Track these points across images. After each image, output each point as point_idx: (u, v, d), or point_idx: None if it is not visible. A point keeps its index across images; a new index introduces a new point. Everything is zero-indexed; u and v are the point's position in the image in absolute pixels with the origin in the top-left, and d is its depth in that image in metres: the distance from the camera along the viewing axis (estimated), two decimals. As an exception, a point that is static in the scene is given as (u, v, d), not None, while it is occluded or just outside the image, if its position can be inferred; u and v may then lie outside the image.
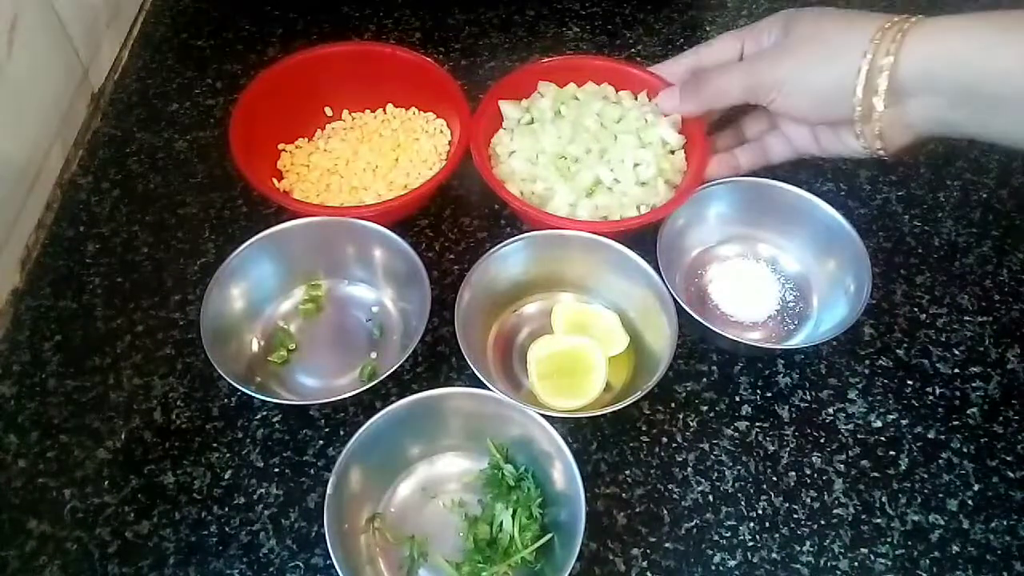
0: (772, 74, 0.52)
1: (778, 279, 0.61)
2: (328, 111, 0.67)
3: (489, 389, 0.49)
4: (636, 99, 0.64)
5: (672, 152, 0.62)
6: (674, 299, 0.53)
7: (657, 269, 0.54)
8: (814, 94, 0.52)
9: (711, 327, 0.53)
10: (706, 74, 0.58)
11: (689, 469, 0.53)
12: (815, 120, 0.55)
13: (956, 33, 0.47)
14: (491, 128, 0.63)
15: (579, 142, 0.61)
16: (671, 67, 0.62)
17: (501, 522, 0.48)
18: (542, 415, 0.48)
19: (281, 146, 0.65)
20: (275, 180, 0.64)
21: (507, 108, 0.63)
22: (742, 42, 0.57)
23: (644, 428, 0.55)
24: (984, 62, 0.46)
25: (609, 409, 0.50)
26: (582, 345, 0.55)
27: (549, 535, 0.48)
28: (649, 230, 0.58)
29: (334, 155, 0.65)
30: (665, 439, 0.54)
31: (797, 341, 0.57)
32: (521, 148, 0.61)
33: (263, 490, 0.52)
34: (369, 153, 0.65)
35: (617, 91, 0.64)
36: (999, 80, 0.46)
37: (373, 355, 0.57)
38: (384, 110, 0.68)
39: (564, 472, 0.47)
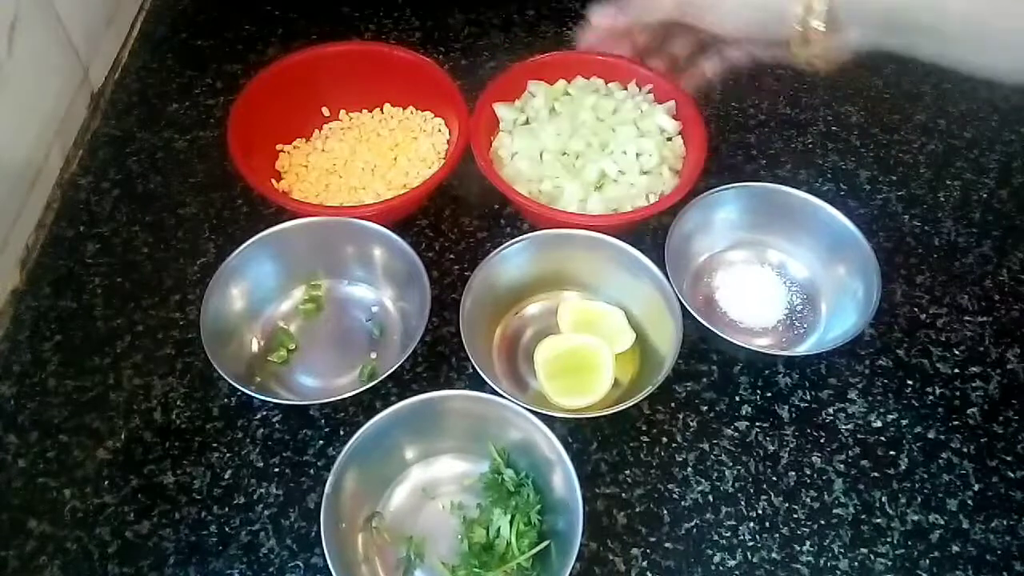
0: None
1: (786, 285, 0.60)
2: (325, 111, 0.67)
3: (494, 392, 0.49)
4: (627, 89, 0.64)
5: (669, 139, 0.62)
6: (681, 304, 0.53)
7: (662, 268, 0.54)
8: (750, 16, 0.51)
9: (721, 334, 0.53)
10: None
11: (689, 469, 0.53)
12: (751, 39, 0.54)
13: None
14: (490, 131, 0.63)
15: (579, 137, 0.61)
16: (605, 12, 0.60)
17: (499, 527, 0.48)
18: (544, 420, 0.48)
19: (279, 147, 0.65)
20: (274, 181, 0.64)
21: (502, 110, 0.63)
22: None
23: (644, 428, 0.55)
24: None
25: (613, 409, 0.50)
26: (589, 343, 0.55)
27: (546, 542, 0.47)
28: (653, 230, 0.58)
29: (332, 155, 0.65)
30: (665, 439, 0.54)
31: (806, 347, 0.57)
32: (523, 148, 0.61)
33: (263, 490, 0.52)
34: (367, 153, 0.65)
35: (607, 83, 0.64)
36: (924, 11, 0.45)
37: (373, 355, 0.57)
38: (381, 109, 0.68)
39: (564, 480, 0.47)
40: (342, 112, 0.68)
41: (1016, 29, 0.45)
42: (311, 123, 0.67)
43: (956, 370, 0.57)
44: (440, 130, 0.66)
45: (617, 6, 0.58)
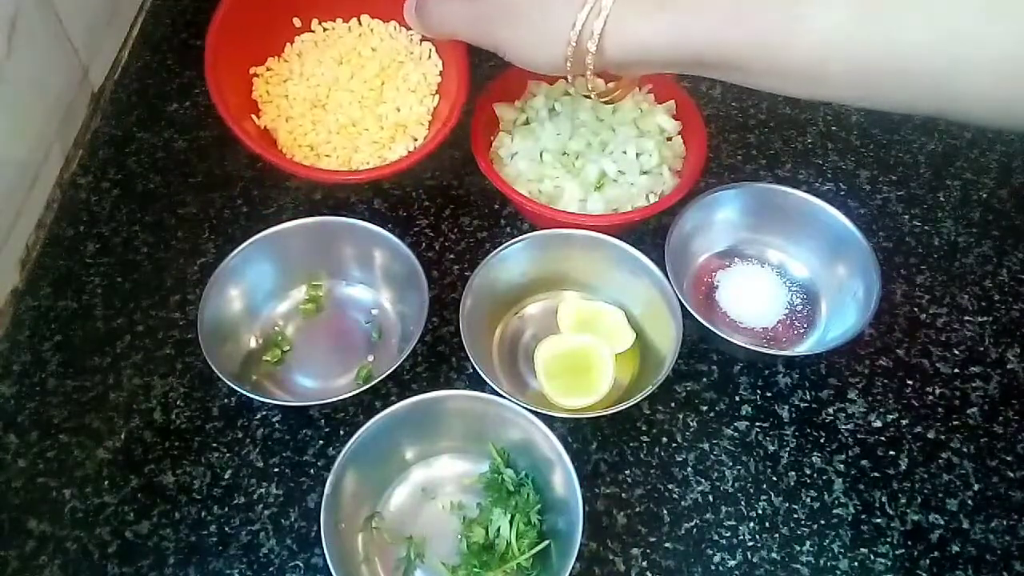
0: (491, 40, 0.50)
1: (786, 284, 0.60)
2: (297, 22, 0.60)
3: (494, 392, 0.49)
4: None
5: (669, 139, 0.62)
6: (681, 304, 0.53)
7: (661, 267, 0.54)
8: (536, 64, 0.49)
9: (721, 334, 0.53)
10: (429, 5, 0.54)
11: (689, 469, 0.53)
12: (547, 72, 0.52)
13: (641, 24, 0.44)
14: (490, 131, 0.63)
15: (579, 137, 0.61)
16: None
17: (499, 527, 0.48)
18: (544, 420, 0.48)
19: (253, 70, 0.59)
20: (254, 116, 0.58)
21: (502, 110, 0.63)
22: None
23: (644, 428, 0.55)
24: (667, 46, 0.44)
25: (613, 409, 0.50)
26: (589, 344, 0.55)
27: (546, 542, 0.47)
28: (653, 230, 0.58)
29: (313, 82, 0.59)
30: (665, 439, 0.54)
31: (806, 347, 0.57)
32: (523, 148, 0.61)
33: (263, 490, 0.52)
34: (350, 79, 0.59)
35: (607, 83, 0.64)
36: (700, 58, 0.44)
37: (370, 358, 0.57)
38: (359, 20, 0.61)
39: (564, 480, 0.47)
40: (315, 22, 0.60)
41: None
42: (282, 37, 0.60)
43: (956, 370, 0.57)
44: (430, 56, 0.59)
45: (409, 13, 0.56)
